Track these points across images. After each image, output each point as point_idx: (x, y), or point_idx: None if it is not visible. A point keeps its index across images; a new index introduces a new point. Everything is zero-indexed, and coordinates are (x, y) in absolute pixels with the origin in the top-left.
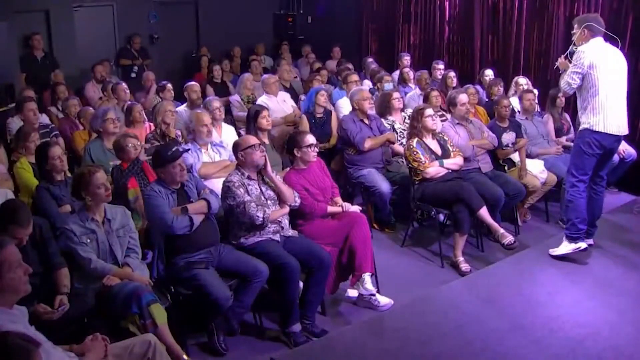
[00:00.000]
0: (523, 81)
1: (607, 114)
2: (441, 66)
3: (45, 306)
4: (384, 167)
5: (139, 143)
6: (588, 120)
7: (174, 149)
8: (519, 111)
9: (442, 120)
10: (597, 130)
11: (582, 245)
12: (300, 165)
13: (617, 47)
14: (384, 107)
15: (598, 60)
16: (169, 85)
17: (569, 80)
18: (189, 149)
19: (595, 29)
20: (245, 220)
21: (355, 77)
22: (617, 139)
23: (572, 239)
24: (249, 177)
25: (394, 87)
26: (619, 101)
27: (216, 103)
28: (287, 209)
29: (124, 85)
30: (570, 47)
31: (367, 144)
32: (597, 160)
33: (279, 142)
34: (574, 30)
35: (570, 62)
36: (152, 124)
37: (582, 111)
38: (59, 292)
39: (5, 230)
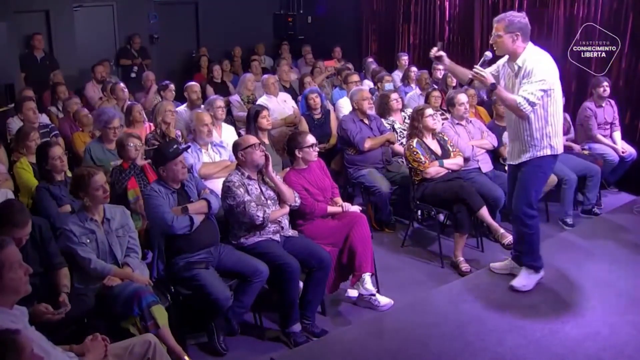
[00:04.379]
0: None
1: (561, 133)
2: (441, 66)
3: (47, 305)
4: (384, 167)
5: (140, 144)
6: (550, 144)
7: (174, 147)
8: None
9: (443, 119)
10: (558, 153)
11: (542, 274)
12: (300, 165)
13: (617, 47)
14: (383, 108)
15: (557, 73)
16: (172, 86)
17: (534, 101)
18: (189, 146)
19: (526, 34)
20: (245, 220)
21: (355, 77)
22: None
23: (539, 269)
24: (249, 177)
25: (394, 87)
26: None
27: (219, 102)
28: (287, 209)
29: (122, 84)
30: (485, 55)
31: (367, 144)
32: None
33: (278, 143)
34: (500, 33)
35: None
36: (152, 124)
37: (537, 134)
38: (59, 292)
39: (3, 232)
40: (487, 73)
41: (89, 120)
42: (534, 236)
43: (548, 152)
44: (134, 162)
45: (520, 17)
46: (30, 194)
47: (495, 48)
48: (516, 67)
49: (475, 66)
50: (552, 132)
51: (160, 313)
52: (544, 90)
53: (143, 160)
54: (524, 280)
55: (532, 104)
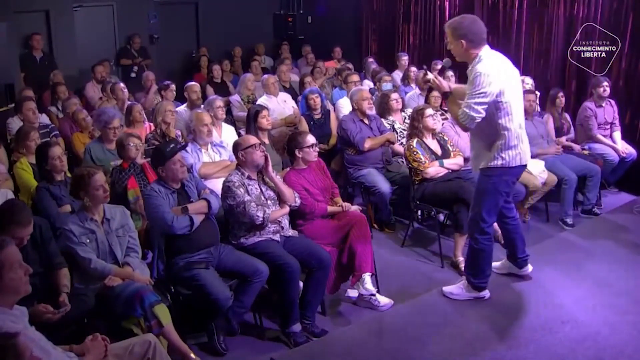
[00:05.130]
0: (529, 81)
1: (522, 144)
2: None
3: (47, 305)
4: (384, 167)
5: (140, 144)
6: (502, 156)
7: (172, 145)
8: None
9: (443, 119)
10: (514, 165)
11: (487, 294)
12: (300, 165)
13: (617, 47)
14: (383, 108)
15: (505, 81)
16: (172, 86)
17: (472, 114)
18: (187, 145)
19: (476, 39)
20: (245, 220)
21: (355, 77)
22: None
23: (480, 289)
24: (249, 177)
25: (394, 87)
26: (524, 123)
27: (218, 102)
28: (287, 209)
29: (122, 84)
30: (444, 62)
31: (367, 144)
32: None
33: (278, 143)
34: (449, 39)
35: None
36: (152, 124)
37: (487, 144)
38: (59, 292)
39: (6, 230)
40: (443, 81)
41: (87, 124)
42: (480, 253)
43: (498, 163)
44: (133, 161)
45: (467, 22)
46: (30, 194)
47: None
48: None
49: (433, 74)
50: (504, 145)
51: (163, 312)
52: (486, 103)
53: (143, 159)
54: (456, 290)
55: (471, 118)
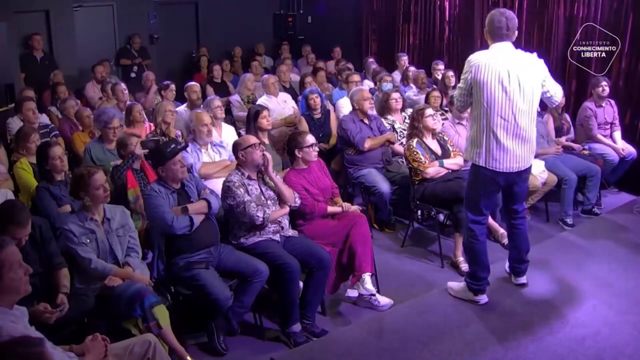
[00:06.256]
0: None
1: (493, 147)
2: (441, 66)
3: (47, 305)
4: (384, 167)
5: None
6: (470, 151)
7: (172, 146)
8: None
9: (443, 119)
10: (480, 165)
11: (483, 299)
12: (300, 165)
13: (617, 47)
14: (383, 107)
15: (487, 76)
16: (172, 86)
17: (457, 96)
18: (187, 145)
19: (494, 32)
20: (245, 220)
21: (356, 77)
22: (516, 174)
23: (473, 291)
24: (249, 177)
25: (394, 87)
26: (521, 130)
27: (217, 102)
28: (287, 209)
29: (123, 85)
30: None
31: (367, 144)
32: (498, 197)
33: (278, 143)
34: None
35: None
36: (152, 124)
37: (469, 137)
38: (59, 292)
39: (5, 231)
40: None
41: (91, 121)
42: (466, 248)
43: (476, 160)
44: (132, 152)
45: (495, 15)
46: (30, 194)
47: None
48: None
49: None
50: (473, 140)
51: (162, 314)
52: (463, 89)
53: (141, 149)
54: (456, 285)
55: (457, 100)
